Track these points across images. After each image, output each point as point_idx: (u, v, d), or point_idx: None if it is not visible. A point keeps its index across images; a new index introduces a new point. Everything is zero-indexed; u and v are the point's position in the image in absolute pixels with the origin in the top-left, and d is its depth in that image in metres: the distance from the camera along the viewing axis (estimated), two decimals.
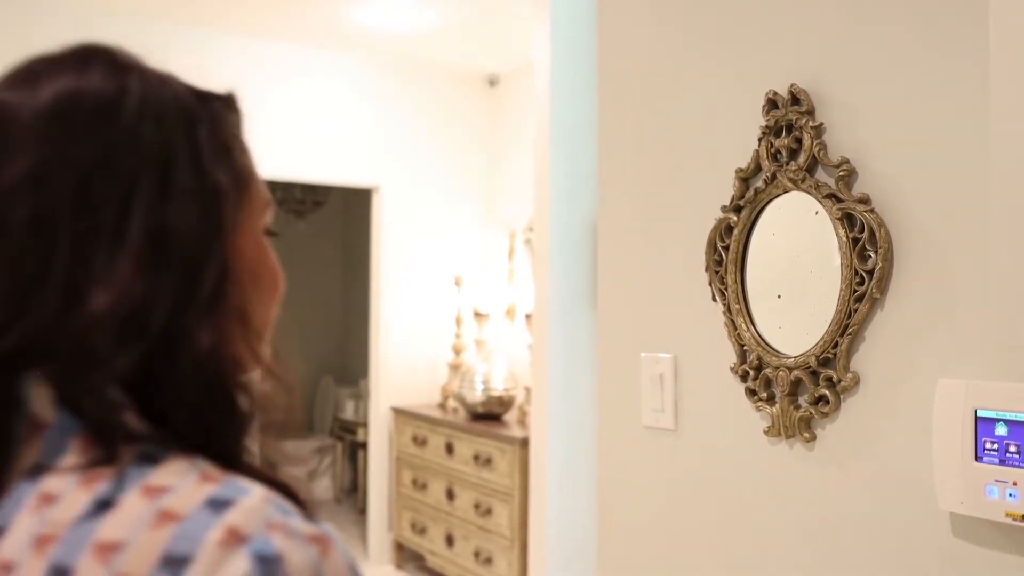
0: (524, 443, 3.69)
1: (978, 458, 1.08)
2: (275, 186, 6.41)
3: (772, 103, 1.36)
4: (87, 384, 0.51)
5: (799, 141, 1.32)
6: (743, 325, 1.42)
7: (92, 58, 0.59)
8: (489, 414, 4.28)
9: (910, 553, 1.18)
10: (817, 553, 1.31)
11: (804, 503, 1.34)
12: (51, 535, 0.47)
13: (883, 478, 1.22)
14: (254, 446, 0.59)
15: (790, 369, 1.33)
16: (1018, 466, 1.04)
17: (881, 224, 1.21)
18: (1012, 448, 1.05)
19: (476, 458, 4.07)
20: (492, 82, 5.23)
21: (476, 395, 4.28)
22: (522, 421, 4.13)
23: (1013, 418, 1.05)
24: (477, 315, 4.72)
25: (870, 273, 1.22)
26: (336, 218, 7.23)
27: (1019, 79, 1.00)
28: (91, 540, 0.47)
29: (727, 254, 1.44)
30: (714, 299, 1.48)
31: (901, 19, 1.21)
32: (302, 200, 6.63)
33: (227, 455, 0.55)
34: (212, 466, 0.52)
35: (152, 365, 0.52)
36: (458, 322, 4.83)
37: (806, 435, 1.32)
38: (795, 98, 1.33)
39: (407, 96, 5.00)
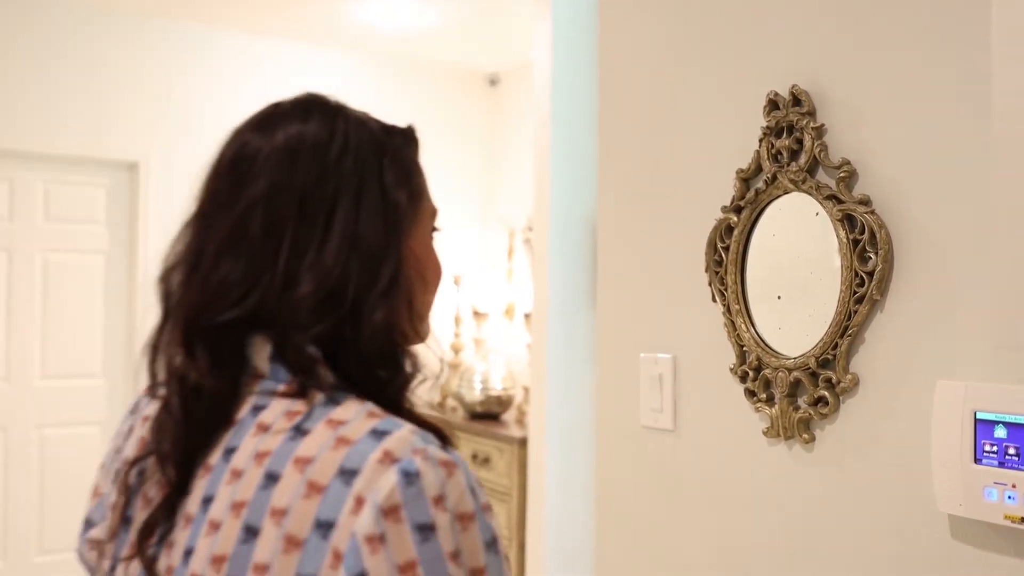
0: (523, 443, 3.69)
1: (977, 460, 1.08)
2: None
3: (773, 104, 1.36)
4: (294, 342, 0.71)
5: (800, 142, 1.32)
6: (743, 326, 1.42)
7: (312, 108, 0.79)
8: (487, 413, 4.27)
9: (909, 555, 1.18)
10: (815, 554, 1.31)
11: (803, 504, 1.33)
12: (266, 452, 0.68)
13: (882, 480, 1.22)
14: (414, 396, 0.78)
15: (789, 370, 1.33)
16: (1017, 468, 1.04)
17: (882, 225, 1.21)
18: (1011, 450, 1.05)
19: (474, 457, 4.07)
20: (492, 81, 5.23)
21: (475, 394, 4.28)
22: (520, 421, 4.12)
23: (1012, 420, 1.05)
24: (476, 314, 4.72)
25: (870, 274, 1.22)
26: None
27: (1022, 80, 1.00)
28: (292, 455, 0.66)
29: (727, 254, 1.44)
30: (714, 299, 1.48)
31: (903, 20, 1.20)
32: None
33: (392, 401, 0.74)
34: (378, 408, 0.71)
35: (341, 332, 0.72)
36: (457, 321, 4.82)
37: (805, 436, 1.32)
38: (796, 99, 1.33)
39: (407, 95, 5.00)
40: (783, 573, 1.37)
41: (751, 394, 1.40)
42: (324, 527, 0.63)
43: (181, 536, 0.70)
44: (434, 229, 0.88)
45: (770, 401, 1.37)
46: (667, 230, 1.59)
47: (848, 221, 1.25)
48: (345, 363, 0.73)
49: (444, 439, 0.71)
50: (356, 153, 0.77)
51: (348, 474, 0.64)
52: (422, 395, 0.80)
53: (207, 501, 0.69)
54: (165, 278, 0.79)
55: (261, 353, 0.74)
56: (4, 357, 4.13)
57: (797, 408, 1.34)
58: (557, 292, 2.35)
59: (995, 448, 1.06)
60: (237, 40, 4.55)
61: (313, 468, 0.65)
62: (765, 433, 1.38)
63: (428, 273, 0.84)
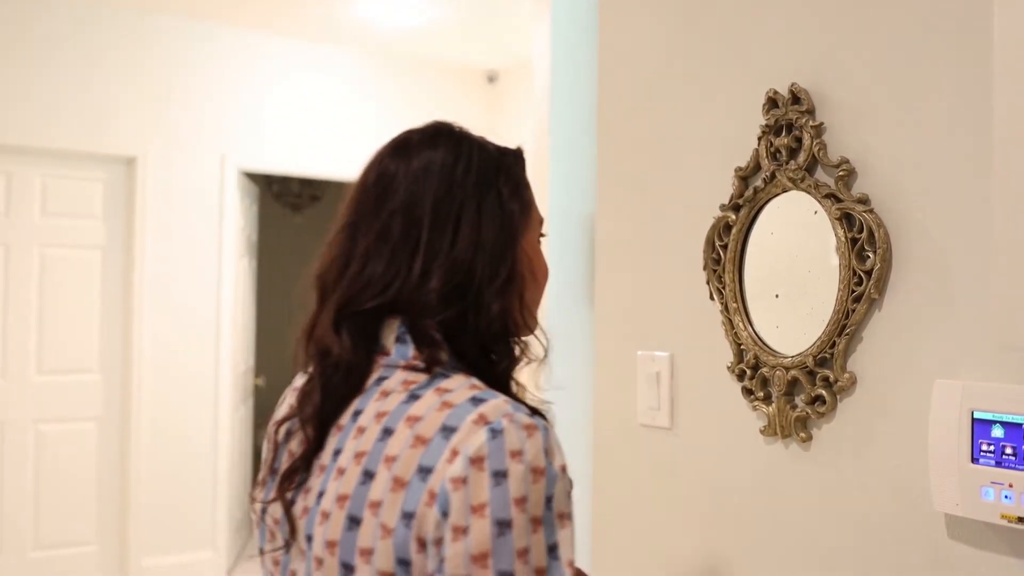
0: None
1: (974, 460, 1.08)
2: (272, 180, 6.40)
3: (772, 102, 1.36)
4: (423, 325, 0.87)
5: (799, 140, 1.32)
6: (740, 324, 1.41)
7: (439, 136, 0.97)
8: None
9: (905, 554, 1.18)
10: (812, 553, 1.31)
11: (799, 503, 1.33)
12: (384, 412, 0.84)
13: (879, 479, 1.22)
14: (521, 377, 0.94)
15: (787, 369, 1.33)
16: (1014, 468, 1.04)
17: (880, 224, 1.21)
18: (1008, 450, 1.05)
19: None
20: (491, 78, 5.23)
21: None
22: None
23: (1010, 420, 1.05)
24: None
25: (868, 273, 1.22)
26: (332, 212, 7.20)
27: (1023, 79, 0.99)
28: (405, 414, 0.82)
29: (725, 253, 1.44)
30: (711, 298, 1.48)
31: (903, 19, 1.20)
32: (299, 194, 6.61)
33: (499, 378, 0.91)
34: (481, 383, 0.86)
35: (464, 319, 0.88)
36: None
37: (802, 435, 1.32)
38: (795, 97, 1.33)
39: (405, 91, 5.00)
40: (779, 572, 1.37)
41: (748, 392, 1.40)
42: (424, 471, 0.78)
43: (315, 482, 0.86)
44: (541, 235, 1.02)
45: (767, 400, 1.37)
46: (665, 228, 1.59)
47: (847, 220, 1.24)
48: (463, 344, 0.89)
49: (535, 412, 0.85)
50: (477, 172, 0.93)
51: (448, 431, 0.79)
52: (529, 376, 0.97)
53: (336, 453, 0.85)
54: (321, 275, 0.95)
55: (390, 335, 0.89)
56: (0, 352, 4.12)
57: (794, 407, 1.34)
58: (555, 289, 2.35)
59: (992, 448, 1.06)
60: (235, 36, 4.54)
61: (421, 424, 0.81)
62: (762, 432, 1.38)
63: (537, 272, 0.99)
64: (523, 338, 0.95)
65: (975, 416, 1.08)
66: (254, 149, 4.61)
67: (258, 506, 0.95)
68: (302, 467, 0.88)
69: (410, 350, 0.88)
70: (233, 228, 4.58)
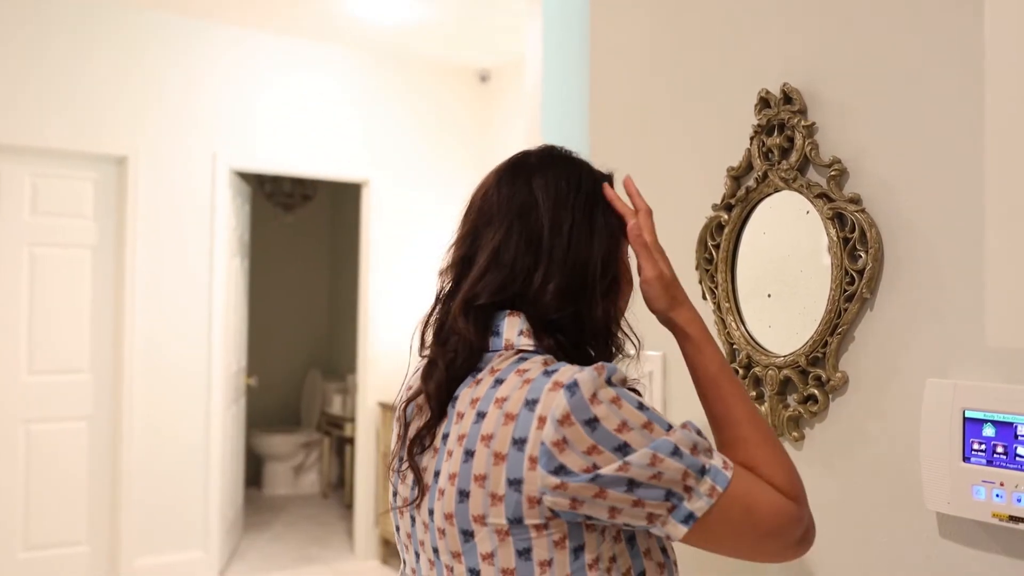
0: None
1: (965, 458, 1.08)
2: (264, 179, 6.39)
3: (764, 102, 1.36)
4: (541, 318, 1.00)
5: (791, 140, 1.32)
6: (733, 324, 1.42)
7: (553, 157, 1.09)
8: None
9: (897, 553, 1.19)
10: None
11: None
12: (477, 398, 0.96)
13: (871, 478, 1.22)
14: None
15: (779, 368, 1.33)
16: (1005, 467, 1.04)
17: (872, 224, 1.21)
18: (999, 449, 1.05)
19: None
20: (483, 77, 5.22)
21: None
22: None
23: (1001, 419, 1.05)
24: None
25: (860, 273, 1.22)
26: (324, 212, 7.20)
27: (1015, 81, 1.00)
28: (493, 397, 0.94)
29: (717, 252, 1.44)
30: (704, 297, 1.48)
31: (894, 19, 1.21)
32: (291, 194, 6.61)
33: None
34: (553, 360, 0.97)
35: (576, 318, 1.00)
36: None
37: (795, 434, 1.32)
38: (787, 97, 1.33)
39: (397, 90, 4.99)
40: (772, 570, 1.37)
41: None
42: (519, 443, 0.89)
43: (430, 463, 0.98)
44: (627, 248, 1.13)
45: (760, 399, 1.38)
46: (657, 228, 1.59)
47: (838, 219, 1.25)
48: (570, 340, 1.01)
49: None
50: (586, 193, 1.05)
51: (531, 403, 0.90)
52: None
53: (444, 437, 0.98)
54: (442, 274, 1.08)
55: (513, 327, 1.01)
56: None
57: (787, 406, 1.34)
58: None
59: (983, 447, 1.07)
60: (227, 34, 4.53)
61: (507, 404, 0.92)
62: None
63: (627, 280, 1.10)
64: (616, 336, 1.07)
65: (966, 415, 1.08)
66: (246, 148, 4.60)
67: (393, 476, 1.08)
68: (426, 434, 1.00)
69: (501, 342, 1.00)
70: (225, 227, 4.57)
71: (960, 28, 1.12)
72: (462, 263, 1.05)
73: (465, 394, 0.98)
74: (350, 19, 4.40)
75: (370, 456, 4.97)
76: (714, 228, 1.46)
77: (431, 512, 0.97)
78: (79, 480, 4.28)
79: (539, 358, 0.97)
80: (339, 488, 6.52)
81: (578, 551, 0.91)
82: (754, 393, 1.38)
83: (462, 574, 0.94)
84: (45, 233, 4.21)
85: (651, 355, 1.58)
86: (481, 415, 0.94)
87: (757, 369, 1.37)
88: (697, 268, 1.48)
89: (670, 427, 0.91)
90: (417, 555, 1.02)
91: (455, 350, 1.01)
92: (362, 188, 5.00)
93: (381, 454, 4.84)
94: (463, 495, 0.92)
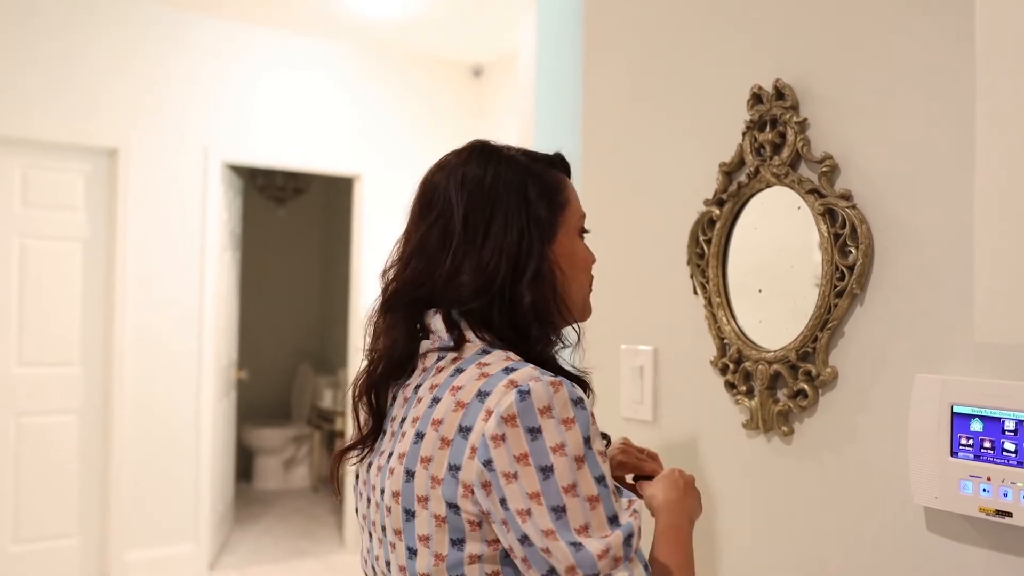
0: None
1: (953, 453, 1.09)
2: (256, 173, 6.37)
3: (757, 97, 1.37)
4: (452, 315, 1.02)
5: (783, 136, 1.33)
6: (724, 318, 1.42)
7: (473, 153, 1.09)
8: None
9: (885, 547, 1.19)
10: (793, 546, 1.32)
11: (781, 496, 1.34)
12: (436, 384, 0.99)
13: (859, 472, 1.23)
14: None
15: (769, 363, 1.34)
16: (992, 462, 1.05)
17: (863, 220, 1.21)
18: (987, 444, 1.06)
19: None
20: (476, 72, 5.22)
21: None
22: None
23: (988, 414, 1.06)
24: None
25: (851, 269, 1.22)
26: (316, 206, 7.19)
27: (1005, 77, 1.00)
28: (450, 385, 0.97)
29: (709, 247, 1.45)
30: (695, 292, 1.48)
31: (886, 16, 1.21)
32: (283, 187, 6.59)
33: (538, 356, 1.02)
34: (518, 357, 0.99)
35: (492, 309, 1.01)
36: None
37: (784, 429, 1.33)
38: (780, 93, 1.33)
39: (391, 85, 4.98)
40: (761, 565, 1.38)
41: (731, 387, 1.41)
42: (464, 430, 0.92)
43: (387, 445, 1.03)
44: (584, 230, 1.13)
45: (750, 394, 1.38)
46: (650, 222, 1.59)
47: (830, 215, 1.25)
48: (499, 330, 1.02)
49: (578, 381, 1.02)
50: (504, 182, 1.05)
51: (483, 395, 0.93)
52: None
53: (403, 421, 1.01)
54: (383, 275, 1.10)
55: (433, 322, 1.04)
56: None
57: (777, 401, 1.34)
58: None
59: (971, 442, 1.07)
60: (220, 28, 4.51)
61: (461, 392, 0.95)
62: (745, 425, 1.39)
63: (575, 264, 1.09)
64: (555, 325, 1.07)
65: (954, 410, 1.09)
66: (238, 141, 4.58)
67: (354, 480, 1.14)
68: (366, 441, 1.06)
69: (432, 338, 1.03)
70: (216, 221, 4.55)
71: (951, 24, 1.12)
72: (396, 267, 1.09)
73: (427, 382, 1.01)
74: (343, 13, 4.39)
75: None
76: (705, 223, 1.46)
77: (382, 491, 1.01)
78: (69, 473, 4.27)
79: (503, 354, 1.00)
80: (329, 482, 6.52)
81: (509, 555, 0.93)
82: (744, 388, 1.39)
83: (402, 552, 0.97)
84: (36, 225, 4.19)
85: (642, 349, 1.58)
86: (436, 400, 0.97)
87: (747, 364, 1.38)
88: (688, 263, 1.49)
89: (607, 492, 0.92)
90: (370, 535, 1.07)
91: (381, 349, 1.06)
92: (354, 182, 4.99)
93: None
94: (409, 475, 0.96)
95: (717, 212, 1.43)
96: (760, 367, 1.35)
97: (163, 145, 4.39)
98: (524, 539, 0.89)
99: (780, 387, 1.35)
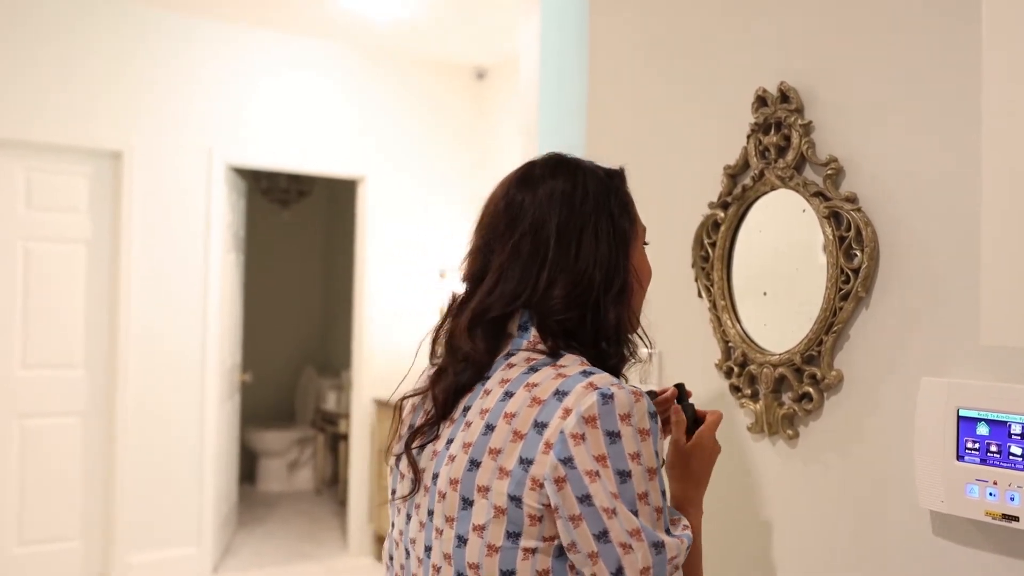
0: None
1: (959, 457, 1.08)
2: (260, 175, 6.38)
3: (761, 100, 1.36)
4: (548, 322, 1.03)
5: (788, 139, 1.32)
6: (728, 322, 1.42)
7: (559, 167, 1.10)
8: None
9: (891, 551, 1.19)
10: (798, 549, 1.32)
11: (786, 500, 1.34)
12: (507, 379, 1.01)
13: (865, 476, 1.23)
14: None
15: (774, 366, 1.33)
16: (998, 466, 1.05)
17: (868, 223, 1.21)
18: (993, 448, 1.06)
19: None
20: (479, 74, 5.22)
21: None
22: None
23: (995, 418, 1.05)
24: None
25: (856, 272, 1.22)
26: (320, 208, 7.19)
27: (1012, 80, 1.00)
28: (525, 381, 0.99)
29: (713, 251, 1.44)
30: (700, 295, 1.48)
31: (891, 18, 1.21)
32: (287, 190, 6.59)
33: (611, 370, 1.04)
34: (588, 363, 1.01)
35: (583, 321, 1.04)
36: (442, 314, 4.81)
37: (789, 432, 1.33)
38: (784, 96, 1.33)
39: (394, 87, 4.98)
40: (766, 567, 1.37)
41: (736, 390, 1.41)
42: (540, 426, 0.94)
43: (444, 432, 1.04)
44: (645, 243, 1.16)
45: (755, 397, 1.38)
46: (654, 226, 1.59)
47: (834, 218, 1.25)
48: (581, 342, 1.04)
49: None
50: (593, 197, 1.08)
51: (561, 394, 0.95)
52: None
53: (465, 410, 1.03)
54: (463, 280, 1.13)
55: (513, 326, 1.06)
56: None
57: (781, 404, 1.34)
58: None
59: (977, 445, 1.07)
60: (222, 30, 4.52)
61: (537, 389, 0.97)
62: (749, 429, 1.39)
63: (642, 278, 1.13)
64: (633, 340, 1.11)
65: (960, 414, 1.08)
66: (241, 144, 4.58)
67: (392, 459, 1.15)
68: (427, 430, 1.06)
69: (530, 335, 1.04)
70: (220, 223, 4.55)
71: (957, 27, 1.12)
72: (474, 277, 1.10)
73: (496, 376, 1.03)
74: (347, 16, 4.39)
75: (364, 453, 4.97)
76: (710, 226, 1.46)
77: (435, 476, 1.02)
78: (73, 476, 4.27)
79: (577, 358, 1.02)
80: (333, 485, 6.52)
81: (563, 551, 0.94)
82: (749, 391, 1.38)
83: (450, 539, 0.98)
84: (40, 228, 4.20)
85: (647, 352, 1.58)
86: (508, 395, 0.99)
87: (752, 367, 1.37)
88: (693, 266, 1.48)
89: (664, 495, 0.98)
90: (408, 517, 1.07)
91: (464, 361, 1.06)
92: (358, 184, 4.99)
93: (376, 451, 4.83)
94: (474, 464, 0.97)
95: (722, 215, 1.43)
96: (765, 370, 1.35)
97: (167, 148, 4.40)
98: (602, 535, 0.91)
99: (785, 390, 1.34)
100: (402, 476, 1.10)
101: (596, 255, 1.05)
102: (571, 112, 2.33)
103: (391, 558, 1.13)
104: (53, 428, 4.23)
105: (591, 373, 0.97)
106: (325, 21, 4.49)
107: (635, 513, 0.93)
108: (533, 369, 1.00)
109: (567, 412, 0.93)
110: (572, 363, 1.00)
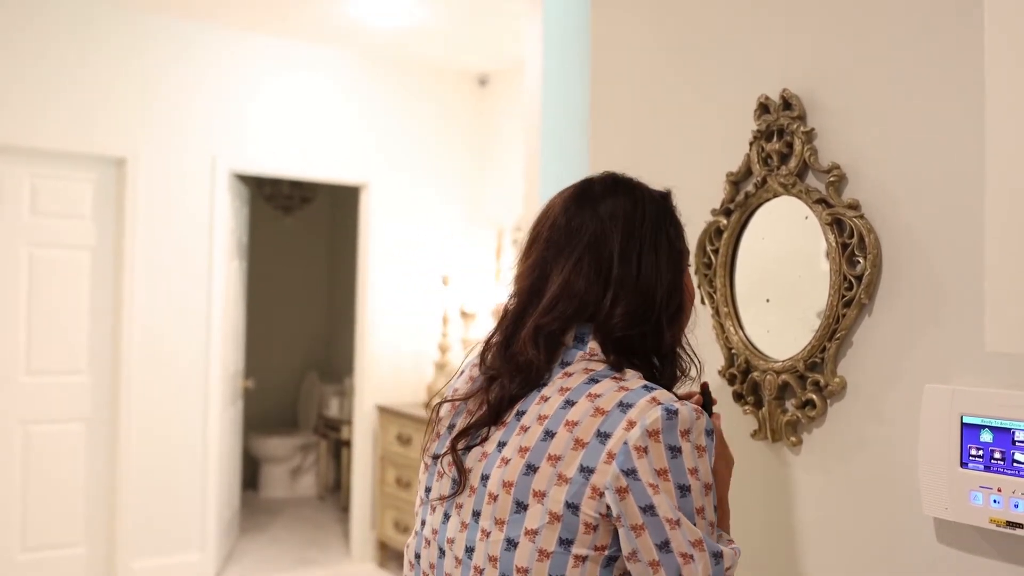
0: None
1: (963, 464, 1.08)
2: (263, 182, 6.39)
3: (764, 107, 1.36)
4: (608, 338, 1.05)
5: (790, 146, 1.33)
6: (731, 328, 1.42)
7: (618, 187, 1.12)
8: None
9: (894, 558, 1.19)
10: (801, 557, 1.32)
11: (789, 507, 1.34)
12: (567, 387, 1.02)
13: (868, 483, 1.23)
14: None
15: (778, 373, 1.33)
16: (1003, 472, 1.05)
17: (871, 230, 1.21)
18: (997, 454, 1.05)
19: None
20: (482, 81, 5.23)
21: None
22: None
23: (998, 424, 1.05)
24: (464, 314, 4.72)
25: (859, 278, 1.22)
26: (323, 215, 7.20)
27: (1015, 88, 1.00)
28: (587, 391, 1.00)
29: (716, 257, 1.45)
30: (703, 302, 1.48)
31: (894, 25, 1.21)
32: (290, 196, 6.60)
33: (663, 384, 1.06)
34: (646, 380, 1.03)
35: (643, 338, 1.06)
36: (444, 321, 4.82)
37: (792, 439, 1.32)
38: (787, 103, 1.33)
39: (397, 94, 4.99)
40: (770, 575, 1.37)
41: (739, 397, 1.41)
42: (603, 436, 0.95)
43: (495, 435, 1.05)
44: (688, 264, 1.17)
45: (758, 404, 1.38)
46: None
47: (837, 225, 1.25)
48: (640, 357, 1.06)
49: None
50: (652, 217, 1.10)
51: (625, 406, 0.96)
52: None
53: (520, 414, 1.04)
54: (513, 299, 1.13)
55: (569, 336, 1.07)
56: None
57: (785, 411, 1.34)
58: None
59: (981, 452, 1.07)
60: (227, 37, 4.53)
61: (600, 400, 0.98)
62: (753, 436, 1.38)
63: (691, 297, 1.15)
64: (681, 359, 1.12)
65: (964, 421, 1.08)
66: (245, 151, 4.59)
67: (427, 457, 1.15)
68: (473, 432, 1.06)
69: (586, 347, 1.06)
70: (224, 230, 4.56)
71: (959, 34, 1.12)
72: (530, 292, 1.10)
73: (553, 383, 1.04)
74: (349, 22, 4.40)
75: (367, 459, 4.96)
76: (713, 233, 1.46)
77: (485, 478, 1.02)
78: (76, 482, 4.27)
79: (635, 373, 1.04)
80: (335, 491, 6.51)
81: (611, 561, 0.96)
82: (752, 398, 1.38)
83: (498, 541, 0.98)
84: (44, 234, 4.21)
85: None
86: (569, 403, 1.00)
87: (755, 374, 1.37)
88: (696, 273, 1.48)
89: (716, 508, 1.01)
90: (446, 516, 1.07)
91: (522, 370, 1.06)
92: (361, 191, 5.00)
93: (378, 457, 4.83)
94: (531, 468, 0.98)
95: (724, 222, 1.43)
96: (768, 377, 1.35)
97: (170, 154, 4.40)
98: (664, 545, 0.93)
99: (788, 397, 1.34)
100: (440, 475, 1.10)
101: (657, 275, 1.07)
102: (574, 119, 2.33)
103: (417, 556, 1.12)
104: (56, 434, 4.24)
105: (652, 388, 0.99)
106: (329, 28, 4.50)
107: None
108: (593, 380, 1.02)
109: (631, 424, 0.94)
110: (632, 377, 1.02)
